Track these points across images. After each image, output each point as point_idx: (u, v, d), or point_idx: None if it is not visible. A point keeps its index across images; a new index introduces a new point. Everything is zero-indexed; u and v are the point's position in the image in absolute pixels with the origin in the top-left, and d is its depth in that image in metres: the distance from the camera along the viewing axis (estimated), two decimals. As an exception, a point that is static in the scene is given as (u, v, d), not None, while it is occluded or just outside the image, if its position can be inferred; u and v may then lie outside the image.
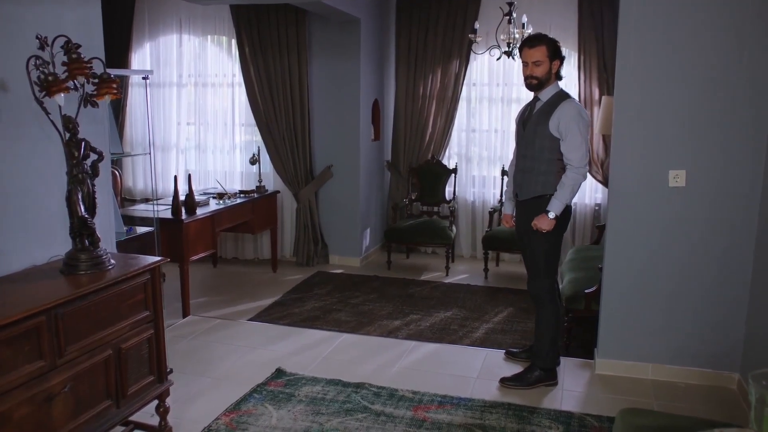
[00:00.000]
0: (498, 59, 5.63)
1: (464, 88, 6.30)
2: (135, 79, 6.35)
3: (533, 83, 3.36)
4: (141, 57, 6.42)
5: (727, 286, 3.48)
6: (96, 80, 2.55)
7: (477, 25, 5.35)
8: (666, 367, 3.64)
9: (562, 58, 3.38)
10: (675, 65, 3.38)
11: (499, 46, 5.36)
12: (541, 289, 3.53)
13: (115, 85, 2.57)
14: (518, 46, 3.38)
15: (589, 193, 6.15)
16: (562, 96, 3.38)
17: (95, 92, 2.56)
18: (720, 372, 3.57)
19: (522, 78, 6.37)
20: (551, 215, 3.32)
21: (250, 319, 4.69)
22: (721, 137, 3.38)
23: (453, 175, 6.33)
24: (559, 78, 3.43)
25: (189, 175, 5.09)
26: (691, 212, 3.47)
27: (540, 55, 3.30)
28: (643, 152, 3.48)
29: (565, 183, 3.33)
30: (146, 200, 5.68)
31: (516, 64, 6.02)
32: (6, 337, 2.09)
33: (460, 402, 3.36)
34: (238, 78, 6.15)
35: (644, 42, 3.41)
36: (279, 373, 3.70)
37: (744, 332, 3.48)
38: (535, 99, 3.45)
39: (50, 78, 2.34)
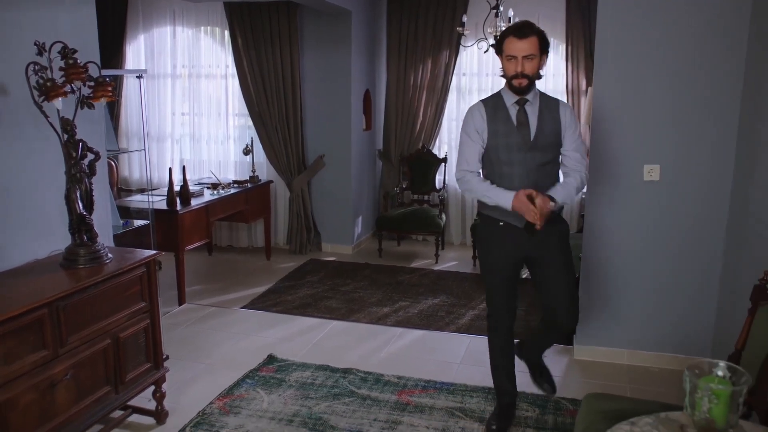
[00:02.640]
0: (485, 52, 5.73)
1: (454, 78, 6.41)
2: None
3: (524, 84, 2.72)
4: (135, 49, 6.51)
5: (699, 275, 3.64)
6: (92, 83, 2.68)
7: (465, 18, 5.44)
8: (641, 353, 3.81)
9: (547, 53, 2.79)
10: (649, 65, 3.51)
11: (486, 39, 5.47)
12: (578, 313, 3.00)
13: (110, 88, 2.70)
14: (498, 35, 2.79)
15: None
16: (550, 97, 2.92)
17: (91, 95, 2.69)
18: (692, 357, 3.74)
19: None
20: (553, 205, 2.71)
21: (244, 307, 4.85)
22: (693, 133, 3.52)
23: (443, 164, 6.47)
24: (539, 76, 2.80)
25: (183, 167, 5.22)
26: (665, 205, 3.62)
27: (532, 47, 2.68)
28: (619, 147, 3.62)
29: (573, 185, 2.84)
30: (142, 191, 5.80)
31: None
32: (12, 328, 2.25)
33: (442, 386, 3.53)
34: (232, 69, 6.25)
35: (620, 43, 3.54)
36: (271, 359, 3.86)
37: (714, 319, 3.65)
38: (521, 101, 2.80)
39: (49, 84, 2.47)
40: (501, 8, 5.29)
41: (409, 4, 6.29)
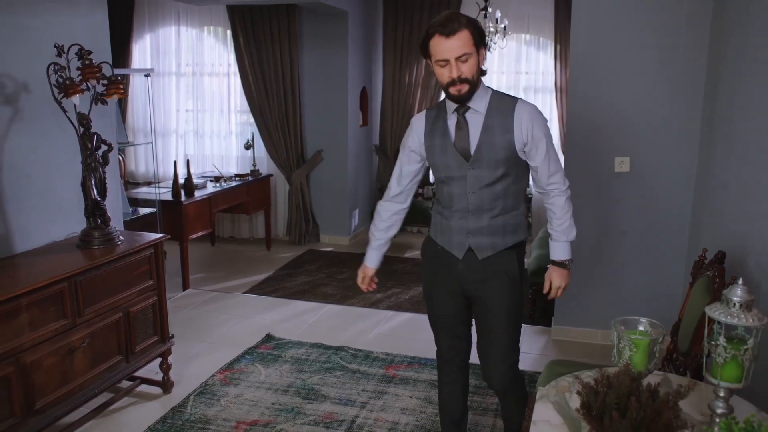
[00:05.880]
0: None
1: (447, 76, 6.67)
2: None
3: (464, 90, 2.19)
4: (142, 48, 6.79)
5: (667, 260, 3.91)
6: (105, 82, 2.96)
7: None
8: (613, 333, 4.08)
9: (486, 45, 2.27)
10: (620, 63, 3.77)
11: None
12: (514, 373, 2.50)
13: (121, 86, 2.99)
14: (426, 34, 2.19)
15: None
16: (507, 97, 2.32)
17: (105, 92, 2.97)
18: (661, 337, 4.01)
19: (502, 67, 6.50)
20: (568, 264, 2.40)
21: (245, 292, 5.14)
22: (660, 127, 3.78)
23: (436, 158, 6.73)
24: (483, 73, 2.29)
25: (188, 160, 5.51)
26: (635, 195, 3.89)
27: (465, 44, 2.13)
28: (591, 141, 3.89)
29: (561, 216, 2.35)
30: (148, 183, 6.09)
31: (495, 54, 6.41)
32: (36, 299, 2.54)
33: (426, 362, 3.81)
34: (234, 67, 6.52)
35: (593, 43, 3.80)
36: (268, 337, 4.16)
37: (681, 299, 3.91)
38: (461, 108, 2.28)
39: (68, 82, 2.76)
40: (489, 9, 5.56)
41: (404, 5, 6.56)
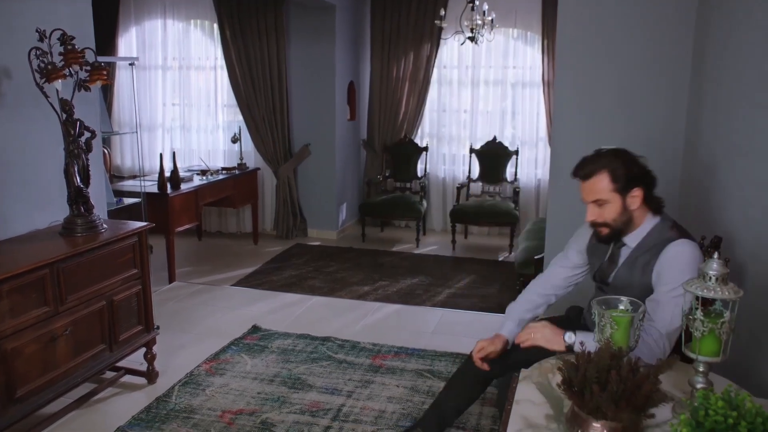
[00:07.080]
0: (462, 44, 6.01)
1: (435, 70, 6.69)
2: (122, 63, 6.68)
3: (605, 234, 2.16)
4: (127, 41, 6.75)
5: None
6: (89, 68, 2.94)
7: (443, 12, 5.72)
8: (599, 323, 4.10)
9: (648, 181, 2.15)
10: (606, 54, 3.79)
11: (463, 31, 5.74)
12: None
13: (105, 72, 2.96)
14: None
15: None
16: (668, 233, 2.12)
17: (88, 78, 2.95)
18: (646, 326, 4.03)
19: (489, 62, 6.49)
20: (569, 338, 2.05)
21: (232, 285, 5.11)
22: (646, 116, 3.80)
23: (424, 152, 6.75)
24: (659, 209, 2.18)
25: (173, 153, 5.48)
26: (620, 185, 3.91)
27: (601, 189, 2.09)
28: (579, 130, 3.90)
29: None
30: (134, 177, 6.05)
31: (483, 48, 6.43)
32: (17, 285, 2.52)
33: (413, 352, 3.81)
34: (221, 61, 6.50)
35: (579, 34, 3.82)
36: (255, 329, 4.14)
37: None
38: (617, 242, 2.23)
39: (50, 67, 2.73)
40: (477, 2, 5.56)
41: (392, -2, 6.56)
